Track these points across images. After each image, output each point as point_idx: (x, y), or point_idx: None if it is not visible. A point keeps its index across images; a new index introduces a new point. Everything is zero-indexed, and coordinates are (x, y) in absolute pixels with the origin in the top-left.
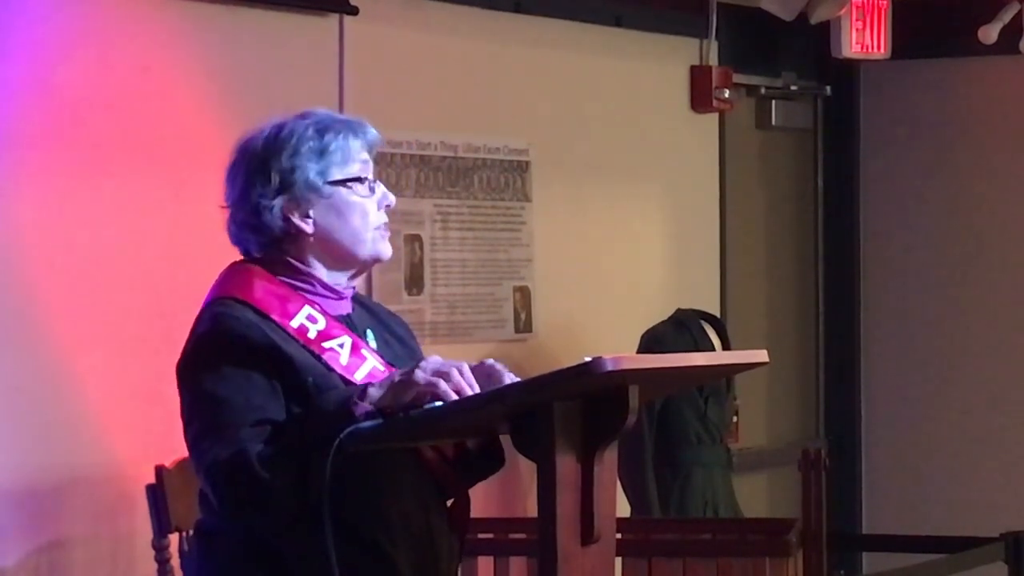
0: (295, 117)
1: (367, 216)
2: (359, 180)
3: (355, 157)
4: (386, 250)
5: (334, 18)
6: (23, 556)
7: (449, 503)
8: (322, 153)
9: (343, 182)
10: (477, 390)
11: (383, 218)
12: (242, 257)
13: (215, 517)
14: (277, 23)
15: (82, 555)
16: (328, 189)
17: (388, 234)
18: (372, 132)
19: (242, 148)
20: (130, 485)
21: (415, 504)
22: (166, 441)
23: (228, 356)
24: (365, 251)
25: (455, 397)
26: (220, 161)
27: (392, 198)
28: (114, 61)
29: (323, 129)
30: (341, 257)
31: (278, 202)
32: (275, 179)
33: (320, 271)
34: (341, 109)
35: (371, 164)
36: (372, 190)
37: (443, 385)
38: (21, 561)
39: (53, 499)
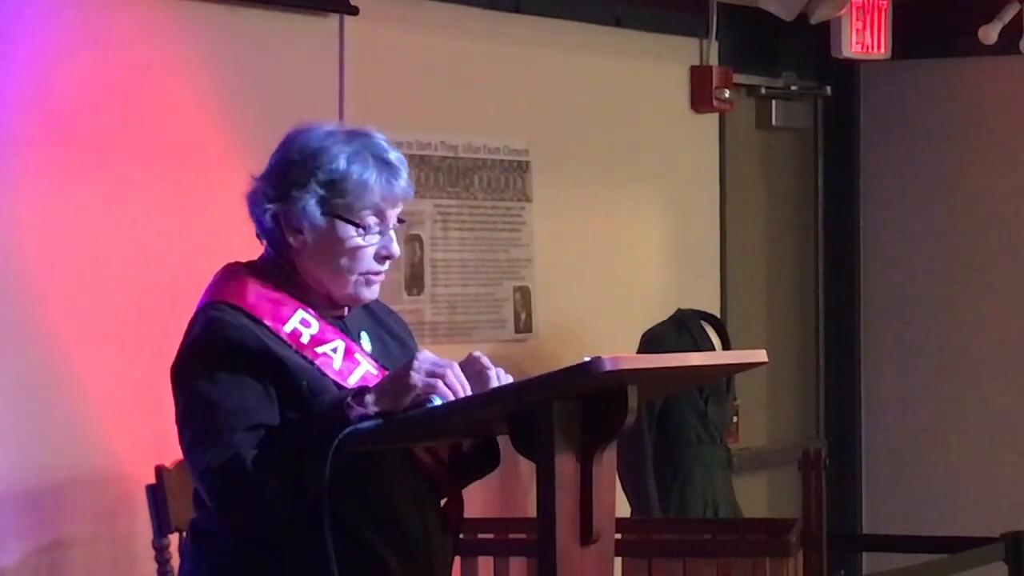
0: (346, 133)
1: (357, 260)
2: (359, 225)
3: (369, 201)
4: (368, 295)
5: (334, 18)
6: (23, 556)
7: (443, 503)
8: (337, 183)
9: (342, 219)
10: (469, 390)
11: (378, 267)
12: (245, 256)
13: (209, 517)
14: (277, 23)
15: (82, 555)
16: (323, 220)
17: (378, 280)
18: (402, 186)
19: (289, 138)
20: (130, 485)
21: (409, 505)
22: (166, 441)
23: (221, 361)
24: (343, 291)
25: (452, 396)
26: (220, 161)
27: (396, 251)
28: (115, 60)
29: (355, 159)
30: (321, 284)
31: (272, 207)
32: (284, 187)
33: (311, 280)
34: (341, 109)
35: (389, 213)
36: (376, 237)
37: (440, 385)
38: (21, 561)
39: (53, 499)
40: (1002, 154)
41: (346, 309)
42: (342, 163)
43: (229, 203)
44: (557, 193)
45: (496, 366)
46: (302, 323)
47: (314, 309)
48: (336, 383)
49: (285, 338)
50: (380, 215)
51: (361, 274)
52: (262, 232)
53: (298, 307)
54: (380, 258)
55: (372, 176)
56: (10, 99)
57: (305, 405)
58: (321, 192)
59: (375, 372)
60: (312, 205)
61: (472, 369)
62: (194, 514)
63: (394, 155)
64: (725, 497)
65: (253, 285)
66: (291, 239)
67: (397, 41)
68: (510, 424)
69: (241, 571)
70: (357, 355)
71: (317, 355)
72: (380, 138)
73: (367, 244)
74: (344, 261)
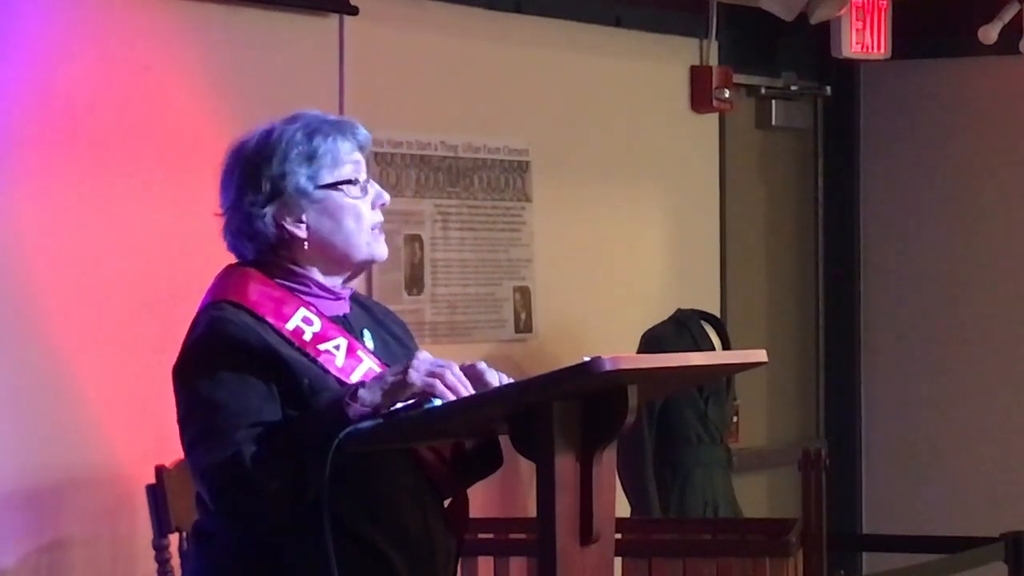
0: (284, 121)
1: (361, 218)
2: (350, 182)
3: (345, 159)
4: (381, 251)
5: (334, 18)
6: (23, 556)
7: (446, 503)
8: (311, 157)
9: (334, 185)
10: (471, 389)
11: (378, 217)
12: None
13: (212, 518)
14: (277, 23)
15: (82, 555)
16: (319, 193)
17: (383, 234)
18: (362, 132)
19: (233, 154)
20: (130, 485)
21: (412, 504)
22: (166, 441)
23: (223, 360)
24: (360, 253)
25: (451, 396)
26: (220, 161)
27: (387, 196)
28: (114, 61)
29: (312, 132)
30: (337, 260)
31: (269, 209)
32: (266, 186)
33: (316, 274)
34: (341, 109)
35: (363, 164)
36: (365, 190)
37: (439, 385)
38: (21, 561)
39: (53, 499)
40: (1002, 154)
41: (348, 306)
42: (303, 140)
43: None
44: (557, 193)
45: (493, 370)
46: (304, 321)
47: (316, 307)
48: (339, 380)
49: (288, 335)
50: (357, 168)
51: (370, 230)
52: (259, 247)
53: (300, 305)
54: (378, 207)
55: (335, 137)
56: (10, 99)
57: (307, 403)
58: (304, 171)
59: (377, 370)
60: (304, 185)
61: (470, 375)
62: (197, 515)
63: (332, 116)
64: (725, 497)
65: (255, 283)
66: (295, 231)
67: (397, 41)
68: (510, 424)
69: (244, 572)
70: (360, 352)
71: (319, 352)
72: (308, 112)
73: (363, 197)
74: (351, 224)
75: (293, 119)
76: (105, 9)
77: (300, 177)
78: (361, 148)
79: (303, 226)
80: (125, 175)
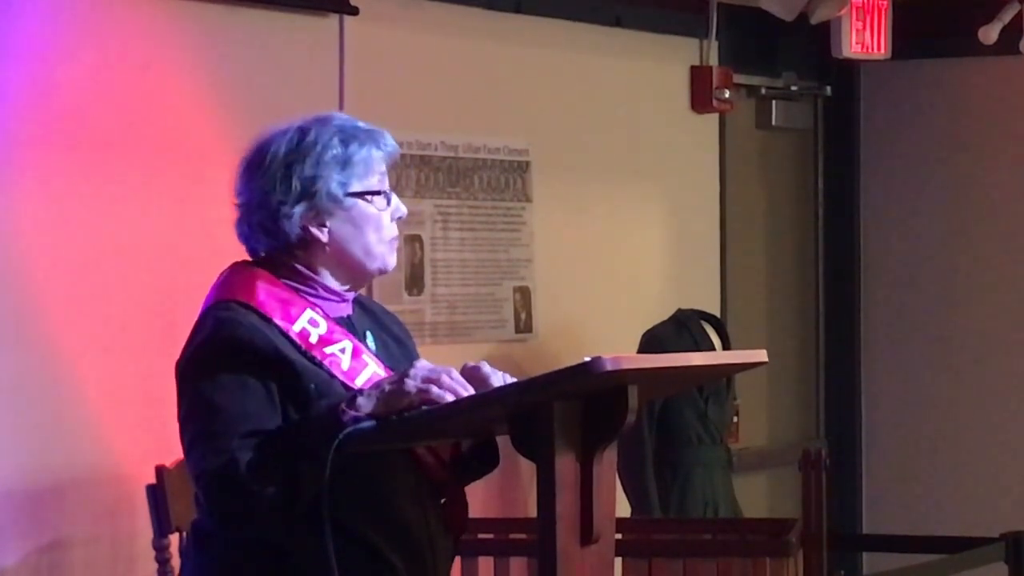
0: (317, 121)
1: (381, 229)
2: (378, 193)
3: (376, 169)
4: (392, 262)
5: (334, 18)
6: (23, 556)
7: (444, 503)
8: (345, 164)
9: (363, 194)
10: (471, 390)
11: (395, 231)
12: (245, 255)
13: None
14: (277, 23)
15: (82, 555)
16: (348, 201)
17: (396, 246)
18: (392, 143)
19: (261, 148)
20: (130, 485)
21: (412, 505)
22: (166, 441)
23: (227, 363)
24: (374, 264)
25: (449, 399)
26: (220, 161)
27: (404, 210)
28: (114, 61)
29: (348, 138)
30: (351, 267)
31: (298, 209)
32: (296, 186)
33: (326, 277)
34: (341, 109)
35: (387, 176)
36: (388, 202)
37: (435, 390)
38: (21, 561)
39: (53, 499)
40: (1002, 154)
41: (351, 307)
42: (339, 145)
43: (228, 203)
44: (557, 193)
45: (497, 371)
46: (310, 323)
47: (321, 308)
48: (344, 384)
49: (294, 337)
50: (383, 180)
51: (387, 242)
52: (275, 244)
53: (307, 306)
54: (396, 220)
55: (371, 147)
56: (10, 99)
57: (311, 408)
58: (337, 176)
59: (382, 373)
60: (335, 189)
61: (474, 376)
62: (196, 514)
63: (363, 123)
64: (725, 497)
65: (263, 283)
66: (317, 234)
67: (397, 41)
68: (510, 424)
69: (243, 571)
70: (364, 356)
71: (325, 355)
72: (340, 115)
73: (386, 209)
74: (372, 235)
75: (326, 120)
76: (105, 9)
77: (332, 182)
78: (388, 159)
79: (325, 230)
80: (125, 175)
